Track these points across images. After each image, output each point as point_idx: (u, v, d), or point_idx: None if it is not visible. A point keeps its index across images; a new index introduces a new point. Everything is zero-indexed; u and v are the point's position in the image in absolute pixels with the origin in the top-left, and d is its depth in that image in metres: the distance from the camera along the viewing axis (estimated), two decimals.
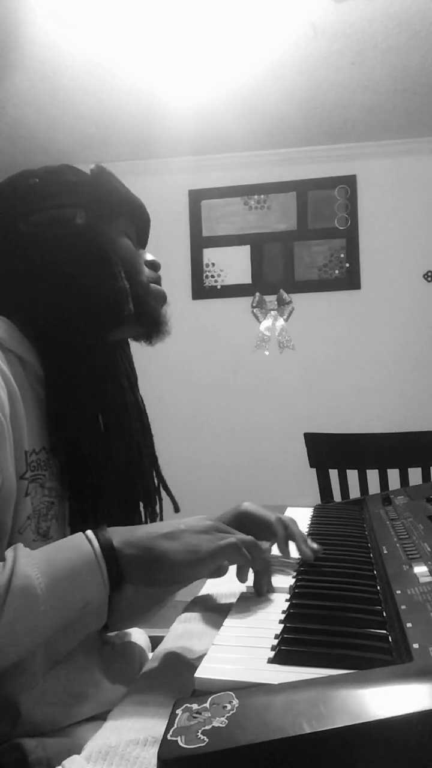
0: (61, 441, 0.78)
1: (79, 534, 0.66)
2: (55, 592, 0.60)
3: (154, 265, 0.91)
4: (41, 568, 0.60)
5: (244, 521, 0.86)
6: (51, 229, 0.80)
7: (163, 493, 0.94)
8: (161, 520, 0.92)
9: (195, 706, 0.41)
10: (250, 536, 0.72)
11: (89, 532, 0.65)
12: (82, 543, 0.64)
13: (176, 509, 0.93)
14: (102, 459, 0.82)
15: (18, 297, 0.81)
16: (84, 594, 0.62)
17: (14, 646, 0.59)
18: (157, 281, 0.90)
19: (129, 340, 0.94)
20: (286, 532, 0.83)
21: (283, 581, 0.76)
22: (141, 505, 0.91)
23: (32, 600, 0.58)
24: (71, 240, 0.80)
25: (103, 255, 0.82)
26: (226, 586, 0.86)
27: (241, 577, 0.73)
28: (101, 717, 0.72)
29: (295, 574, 0.77)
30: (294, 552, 0.82)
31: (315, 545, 0.81)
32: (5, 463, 0.69)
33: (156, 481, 0.92)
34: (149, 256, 0.91)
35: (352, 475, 1.86)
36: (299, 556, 0.80)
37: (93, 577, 0.62)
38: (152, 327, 0.89)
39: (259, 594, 0.72)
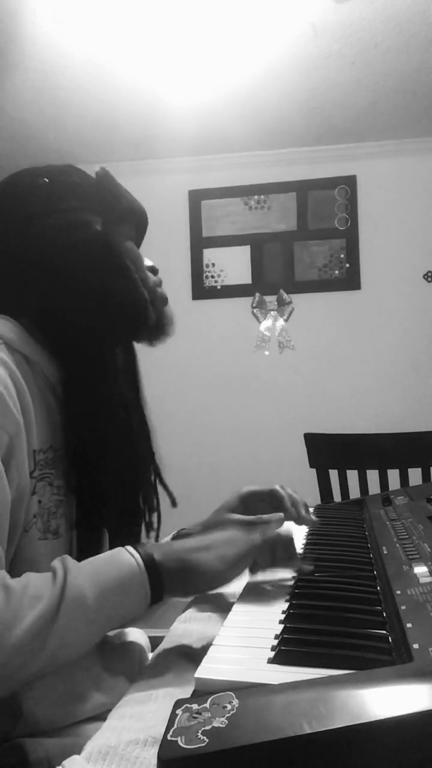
0: (75, 442, 0.80)
1: (121, 549, 0.69)
2: (104, 604, 0.63)
3: (154, 270, 0.92)
4: (91, 581, 0.63)
5: (248, 501, 0.93)
6: (69, 234, 0.80)
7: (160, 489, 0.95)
8: (158, 514, 0.94)
9: (195, 706, 0.41)
10: (267, 522, 0.78)
11: (130, 548, 0.69)
12: (127, 558, 0.67)
13: (173, 503, 0.96)
14: (110, 459, 0.83)
15: (29, 299, 0.81)
16: (129, 606, 0.66)
17: (65, 653, 0.61)
18: (159, 284, 0.91)
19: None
20: (291, 500, 0.92)
21: (283, 581, 0.76)
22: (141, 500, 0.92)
23: (83, 610, 0.61)
24: (91, 246, 0.81)
25: (122, 263, 0.83)
26: (227, 586, 0.86)
27: (254, 570, 0.81)
28: (101, 717, 0.72)
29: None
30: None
31: (313, 517, 0.92)
32: (23, 462, 0.71)
33: (153, 476, 0.94)
34: (148, 261, 0.92)
35: (352, 476, 1.86)
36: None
37: (138, 590, 0.66)
38: (157, 330, 0.91)
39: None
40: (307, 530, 0.99)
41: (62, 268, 0.80)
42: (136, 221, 0.90)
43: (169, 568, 0.68)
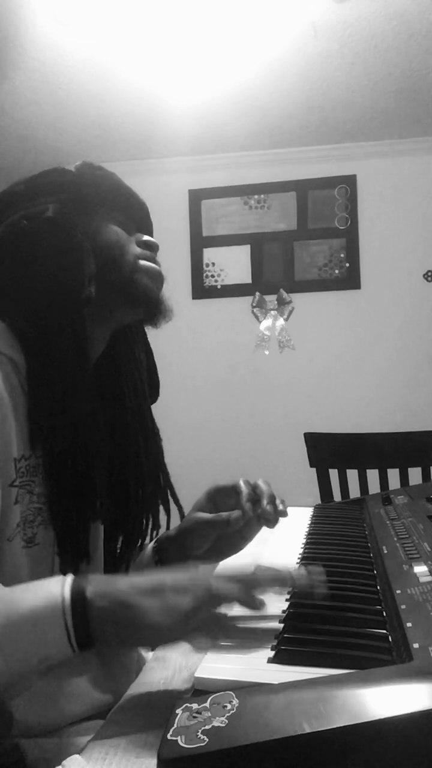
0: (40, 441, 0.74)
1: (59, 577, 0.60)
2: (9, 637, 0.54)
3: (148, 245, 0.87)
4: (4, 607, 0.56)
5: (215, 498, 0.89)
6: (19, 226, 0.79)
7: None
8: (167, 528, 0.90)
9: (195, 706, 0.41)
10: (240, 576, 0.65)
11: (68, 578, 0.59)
12: (53, 588, 0.58)
13: (182, 518, 0.91)
14: (86, 462, 0.77)
15: (4, 298, 0.81)
16: (41, 645, 0.55)
17: None
18: (149, 259, 0.87)
19: (145, 340, 0.93)
20: (255, 492, 0.82)
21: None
22: (143, 513, 0.89)
23: None
24: (38, 233, 0.79)
25: (69, 243, 0.79)
26: None
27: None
28: (101, 716, 0.72)
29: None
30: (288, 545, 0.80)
31: (281, 506, 0.81)
32: None
33: (163, 488, 0.90)
34: (145, 237, 0.88)
35: (352, 475, 1.86)
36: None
37: (54, 628, 0.55)
38: (147, 306, 0.85)
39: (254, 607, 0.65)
40: (307, 530, 0.99)
41: (14, 260, 0.79)
42: (120, 202, 0.87)
43: (100, 608, 0.56)
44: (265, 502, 0.80)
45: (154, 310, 0.86)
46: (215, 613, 0.64)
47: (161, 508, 0.91)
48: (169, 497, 0.92)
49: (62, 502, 0.76)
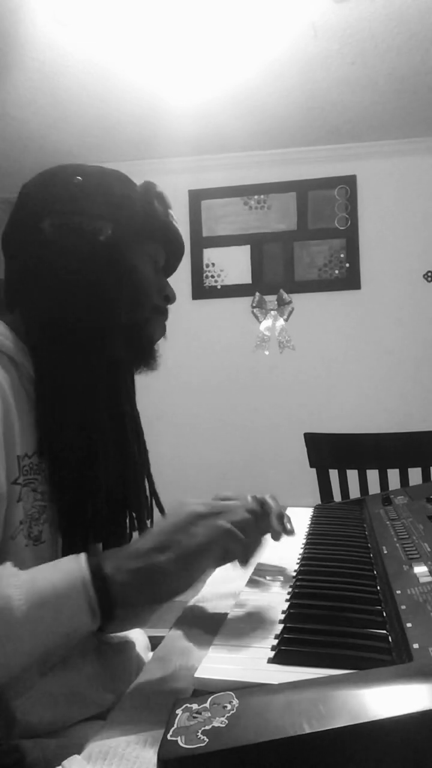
0: (48, 444, 0.76)
1: (71, 557, 0.62)
2: (36, 617, 0.56)
3: (168, 299, 0.89)
4: (24, 589, 0.57)
5: None
6: (71, 239, 0.78)
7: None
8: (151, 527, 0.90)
9: (195, 706, 0.41)
10: (244, 502, 0.70)
11: (82, 556, 0.62)
12: (71, 568, 0.60)
13: None
14: (90, 464, 0.79)
15: (23, 297, 0.81)
16: (68, 622, 0.58)
17: None
18: (163, 312, 0.89)
19: None
20: (263, 508, 0.76)
21: (282, 581, 0.76)
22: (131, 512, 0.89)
23: (7, 622, 0.55)
24: (87, 256, 0.79)
25: (111, 282, 0.80)
26: (227, 586, 0.86)
27: (241, 560, 0.70)
28: (101, 717, 0.72)
29: (295, 573, 0.77)
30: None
31: (290, 526, 0.77)
32: (0, 468, 0.68)
33: (147, 490, 0.90)
34: (168, 288, 0.89)
35: (352, 475, 1.86)
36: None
37: (79, 605, 0.58)
38: (142, 354, 0.88)
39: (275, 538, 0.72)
40: (307, 530, 0.99)
41: (54, 270, 0.78)
42: (165, 242, 0.88)
43: (122, 581, 0.60)
44: (274, 519, 0.76)
45: (147, 359, 0.88)
46: (230, 540, 0.65)
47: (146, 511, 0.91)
48: (154, 503, 0.92)
49: (68, 501, 0.77)
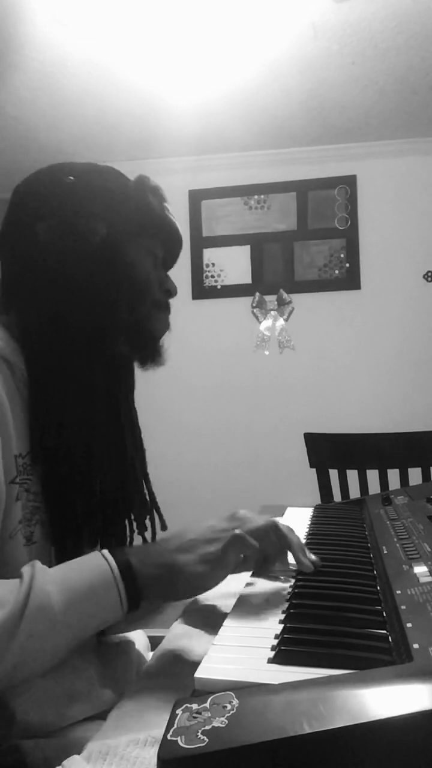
0: (40, 445, 0.76)
1: (96, 553, 0.66)
2: (72, 611, 0.60)
3: (169, 293, 0.89)
4: (59, 586, 0.60)
5: None
6: (66, 241, 0.78)
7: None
8: (152, 533, 0.90)
9: (195, 706, 0.41)
10: (258, 523, 0.72)
11: (105, 552, 0.65)
12: (99, 563, 0.64)
13: (163, 527, 0.91)
14: (84, 466, 0.79)
15: (19, 299, 0.80)
16: (101, 614, 0.63)
17: (29, 664, 0.58)
18: (165, 306, 0.88)
19: None
20: (281, 542, 0.75)
21: (281, 583, 0.75)
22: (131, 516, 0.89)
23: (49, 617, 0.58)
24: (83, 257, 0.78)
25: (109, 281, 0.80)
26: (227, 586, 0.86)
27: (246, 566, 0.74)
28: (101, 717, 0.72)
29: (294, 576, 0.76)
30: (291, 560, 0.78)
31: (313, 556, 0.75)
32: None
33: (147, 496, 0.91)
34: (169, 282, 0.89)
35: (352, 475, 1.86)
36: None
37: (111, 597, 0.62)
38: (145, 349, 0.87)
39: (304, 569, 0.73)
40: (307, 530, 0.99)
41: (51, 273, 0.78)
42: (162, 236, 0.88)
43: (147, 574, 0.65)
44: (299, 555, 0.74)
45: (152, 355, 0.88)
46: (244, 546, 0.70)
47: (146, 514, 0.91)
48: (153, 505, 0.92)
49: (60, 503, 0.76)
